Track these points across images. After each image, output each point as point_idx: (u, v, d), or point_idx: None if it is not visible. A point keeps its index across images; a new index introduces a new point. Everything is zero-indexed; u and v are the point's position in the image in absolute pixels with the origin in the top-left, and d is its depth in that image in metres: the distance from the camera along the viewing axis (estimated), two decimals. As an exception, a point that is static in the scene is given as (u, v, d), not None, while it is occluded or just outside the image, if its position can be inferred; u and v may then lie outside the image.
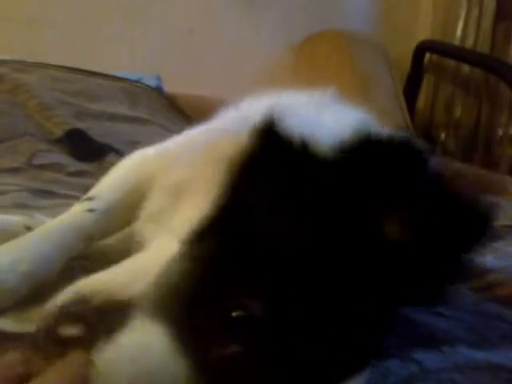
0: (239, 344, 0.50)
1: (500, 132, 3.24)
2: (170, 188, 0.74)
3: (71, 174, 1.52)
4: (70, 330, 0.51)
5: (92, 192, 0.91)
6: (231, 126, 0.75)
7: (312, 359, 0.52)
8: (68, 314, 0.52)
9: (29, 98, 1.83)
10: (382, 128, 0.69)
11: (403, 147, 0.58)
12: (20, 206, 1.14)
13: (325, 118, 0.73)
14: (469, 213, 0.57)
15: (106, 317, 0.52)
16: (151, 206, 0.79)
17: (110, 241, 0.91)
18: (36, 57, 2.16)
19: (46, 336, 0.52)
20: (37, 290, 0.73)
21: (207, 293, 0.53)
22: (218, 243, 0.57)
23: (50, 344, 0.51)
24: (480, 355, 0.71)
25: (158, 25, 2.85)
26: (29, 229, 0.90)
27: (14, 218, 0.94)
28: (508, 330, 0.82)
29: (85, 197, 0.91)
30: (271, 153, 0.63)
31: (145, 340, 0.51)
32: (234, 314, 0.51)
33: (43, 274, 0.75)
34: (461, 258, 0.59)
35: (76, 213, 0.86)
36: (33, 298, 0.72)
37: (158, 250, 0.62)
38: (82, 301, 0.53)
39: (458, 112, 3.31)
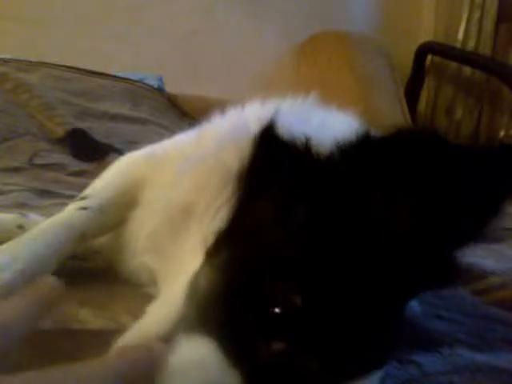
0: (283, 341, 0.51)
1: (501, 134, 3.24)
2: (173, 210, 0.74)
3: (72, 174, 1.52)
4: None
5: (86, 191, 0.92)
6: (225, 135, 0.75)
7: (347, 351, 0.52)
8: None
9: (31, 97, 1.83)
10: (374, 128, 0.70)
11: (410, 136, 0.58)
12: (21, 206, 1.14)
13: (317, 119, 0.74)
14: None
15: None
16: (148, 225, 0.79)
17: (104, 240, 0.91)
18: (38, 56, 2.16)
19: None
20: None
21: (241, 297, 0.54)
22: (239, 250, 0.58)
23: None
24: (480, 358, 0.71)
25: (160, 26, 2.85)
26: (21, 227, 0.91)
27: (7, 217, 0.95)
28: (508, 332, 0.82)
29: (79, 196, 0.92)
30: (275, 158, 0.63)
31: (195, 355, 0.51)
32: (274, 310, 0.51)
33: (38, 272, 0.75)
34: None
35: (69, 211, 0.87)
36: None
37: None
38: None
39: (459, 114, 3.31)
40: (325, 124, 0.72)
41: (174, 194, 0.75)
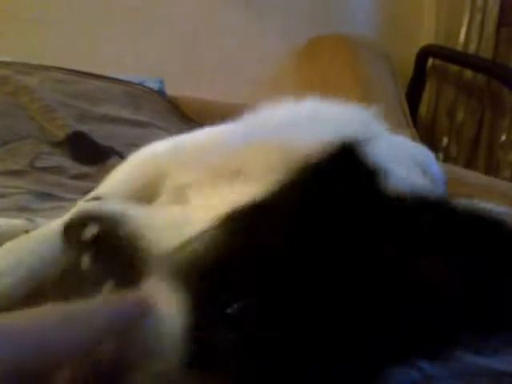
0: (232, 329, 0.51)
1: (503, 137, 3.24)
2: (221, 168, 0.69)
3: (74, 177, 1.52)
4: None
5: (97, 191, 0.90)
6: (302, 121, 0.73)
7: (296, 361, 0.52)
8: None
9: (31, 100, 1.83)
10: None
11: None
12: (22, 209, 1.14)
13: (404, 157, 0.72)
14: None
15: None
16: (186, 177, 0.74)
17: None
18: (39, 59, 2.16)
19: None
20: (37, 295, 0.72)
21: (227, 273, 0.54)
22: (258, 232, 0.57)
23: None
24: (482, 361, 0.71)
25: (161, 28, 2.85)
26: (27, 233, 0.89)
27: (14, 222, 0.92)
28: (510, 335, 0.82)
29: (90, 196, 0.89)
30: (344, 175, 0.61)
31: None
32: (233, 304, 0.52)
33: (42, 277, 0.74)
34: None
35: None
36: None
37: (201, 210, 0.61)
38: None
39: (460, 117, 3.31)
40: (406, 164, 0.70)
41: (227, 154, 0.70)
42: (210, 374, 0.51)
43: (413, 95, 3.30)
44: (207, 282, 0.53)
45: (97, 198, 0.86)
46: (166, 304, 0.51)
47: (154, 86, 2.49)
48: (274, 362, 0.52)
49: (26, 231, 0.89)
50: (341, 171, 0.61)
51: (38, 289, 0.73)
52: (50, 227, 0.82)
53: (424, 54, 3.29)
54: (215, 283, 0.53)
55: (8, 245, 0.78)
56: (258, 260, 0.54)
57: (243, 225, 0.57)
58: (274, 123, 0.77)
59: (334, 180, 0.60)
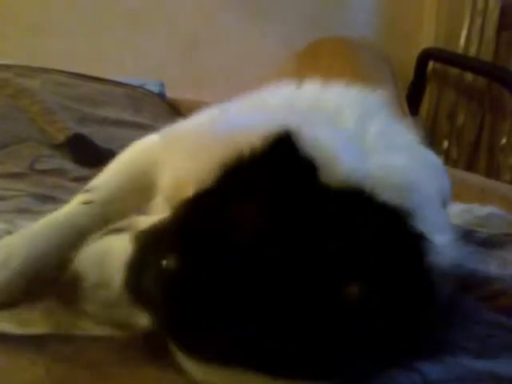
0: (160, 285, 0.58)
1: (503, 140, 3.24)
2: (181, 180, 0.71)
3: (74, 180, 1.52)
4: None
5: (91, 183, 0.90)
6: (244, 121, 0.72)
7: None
8: None
9: (32, 102, 1.83)
10: None
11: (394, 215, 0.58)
12: (23, 212, 1.14)
13: (347, 145, 0.68)
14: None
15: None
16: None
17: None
18: (40, 62, 2.16)
19: None
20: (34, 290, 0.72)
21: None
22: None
23: None
24: (483, 365, 0.71)
25: (161, 31, 2.86)
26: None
27: None
28: (511, 339, 0.82)
29: (84, 188, 0.89)
30: (276, 164, 0.61)
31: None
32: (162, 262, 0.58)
33: (37, 270, 0.74)
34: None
35: (72, 206, 0.84)
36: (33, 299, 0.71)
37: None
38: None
39: (461, 120, 3.31)
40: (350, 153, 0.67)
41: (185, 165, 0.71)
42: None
43: (413, 98, 3.31)
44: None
45: (88, 191, 0.87)
46: None
47: (155, 88, 2.49)
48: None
49: (9, 232, 0.89)
50: (272, 162, 0.62)
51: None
52: (48, 218, 0.82)
53: (424, 57, 3.29)
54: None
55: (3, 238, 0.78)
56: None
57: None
58: (226, 115, 0.82)
59: (265, 171, 0.61)
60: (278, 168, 0.61)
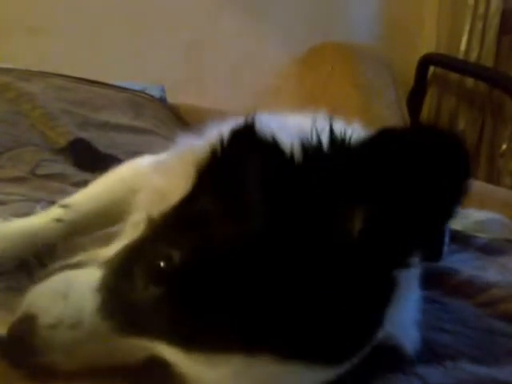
0: (160, 287, 0.58)
1: (503, 146, 3.24)
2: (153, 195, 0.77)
3: (75, 184, 1.52)
4: None
5: (68, 199, 0.95)
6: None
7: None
8: None
9: (33, 107, 1.83)
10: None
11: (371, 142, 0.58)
12: (23, 216, 1.14)
13: (291, 121, 0.76)
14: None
15: None
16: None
17: None
18: (40, 66, 2.17)
19: None
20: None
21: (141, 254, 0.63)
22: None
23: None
24: (483, 371, 0.71)
25: (162, 36, 2.86)
26: None
27: None
28: (511, 345, 0.82)
29: (61, 202, 0.92)
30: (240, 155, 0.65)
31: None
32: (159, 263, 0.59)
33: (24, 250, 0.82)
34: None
35: (44, 221, 0.91)
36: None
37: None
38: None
39: (461, 125, 3.32)
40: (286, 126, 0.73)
41: (156, 182, 0.78)
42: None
43: (414, 103, 3.31)
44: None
45: (64, 206, 0.93)
46: None
47: (156, 93, 2.49)
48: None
49: None
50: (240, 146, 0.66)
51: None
52: (18, 225, 0.90)
53: (425, 62, 3.29)
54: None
55: None
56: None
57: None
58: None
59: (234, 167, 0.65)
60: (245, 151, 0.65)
